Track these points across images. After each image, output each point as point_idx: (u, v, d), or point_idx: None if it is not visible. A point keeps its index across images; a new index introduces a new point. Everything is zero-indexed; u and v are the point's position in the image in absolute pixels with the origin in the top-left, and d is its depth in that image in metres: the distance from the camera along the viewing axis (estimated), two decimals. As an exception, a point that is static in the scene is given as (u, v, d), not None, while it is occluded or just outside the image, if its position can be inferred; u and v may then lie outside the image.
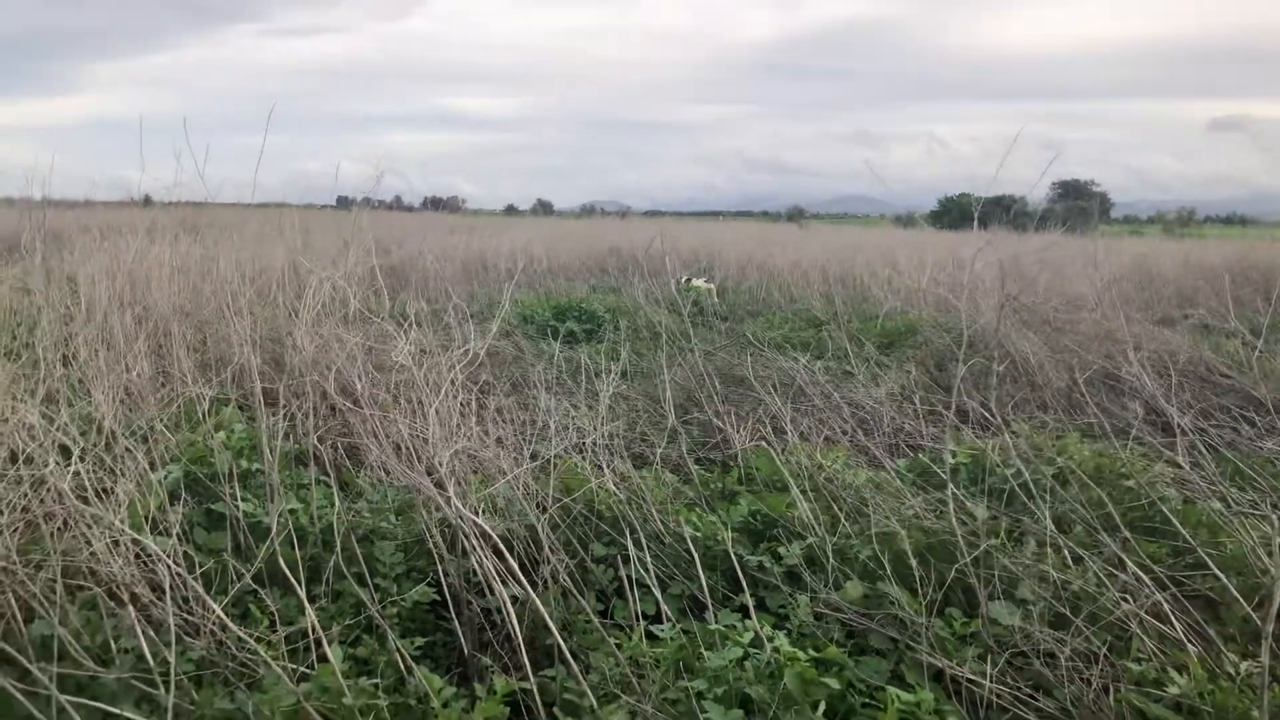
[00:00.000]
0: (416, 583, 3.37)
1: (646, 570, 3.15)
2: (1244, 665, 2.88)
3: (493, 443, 3.61)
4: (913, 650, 2.98)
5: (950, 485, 3.70)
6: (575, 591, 3.29)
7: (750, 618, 2.97)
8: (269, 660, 2.56)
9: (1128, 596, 3.25)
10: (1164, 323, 8.84)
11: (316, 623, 2.70)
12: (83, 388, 4.25)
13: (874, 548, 3.34)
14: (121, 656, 2.69)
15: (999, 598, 3.29)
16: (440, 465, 3.16)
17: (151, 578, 2.88)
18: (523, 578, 3.00)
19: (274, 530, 3.09)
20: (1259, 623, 3.22)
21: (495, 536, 3.09)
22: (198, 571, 2.99)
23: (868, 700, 2.66)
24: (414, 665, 2.77)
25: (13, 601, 2.77)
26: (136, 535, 2.87)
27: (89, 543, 2.84)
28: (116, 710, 2.47)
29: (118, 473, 3.40)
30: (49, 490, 3.10)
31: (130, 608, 2.75)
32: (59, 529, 3.07)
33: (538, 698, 2.70)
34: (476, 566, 3.10)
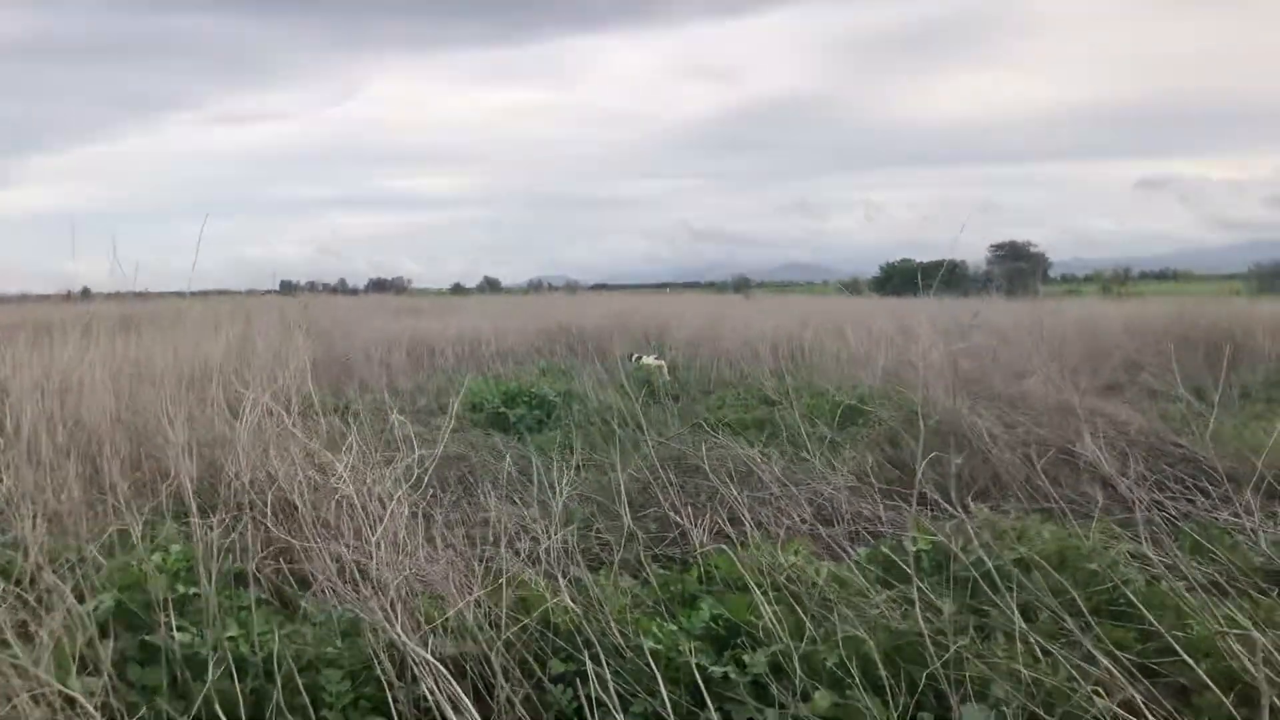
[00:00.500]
0: (365, 713, 3.19)
1: (606, 689, 3.02)
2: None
3: (442, 561, 3.46)
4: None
5: (915, 580, 3.62)
6: (532, 716, 3.14)
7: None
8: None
9: (1100, 691, 3.17)
10: (1112, 388, 8.91)
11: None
12: (5, 516, 4.05)
13: (840, 654, 3.23)
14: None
15: (970, 699, 3.20)
16: (388, 588, 3.02)
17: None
18: (474, 710, 2.85)
19: (211, 667, 2.92)
20: (1232, 710, 3.16)
21: (447, 663, 2.95)
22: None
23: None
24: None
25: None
26: (60, 686, 2.69)
27: (7, 698, 2.65)
28: None
29: (43, 609, 3.22)
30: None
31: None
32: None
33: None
34: (428, 694, 2.95)
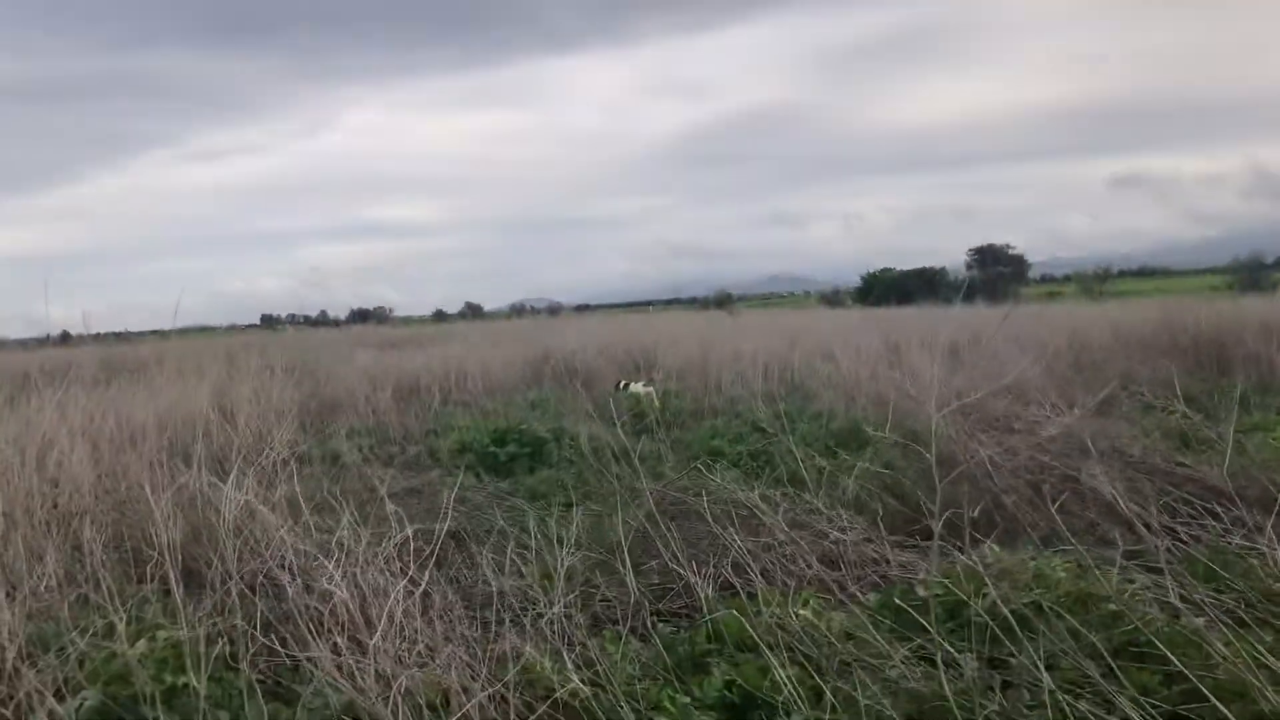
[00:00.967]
0: (368, 809, 3.05)
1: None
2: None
3: (444, 651, 3.31)
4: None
5: (935, 635, 3.50)
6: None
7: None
8: None
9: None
10: (1106, 404, 8.82)
11: None
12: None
13: (863, 723, 3.10)
14: None
15: (1000, 763, 3.07)
16: (389, 680, 2.87)
17: None
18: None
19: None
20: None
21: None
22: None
23: None
24: None
25: None
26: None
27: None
28: None
29: (23, 713, 3.06)
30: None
31: None
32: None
33: None
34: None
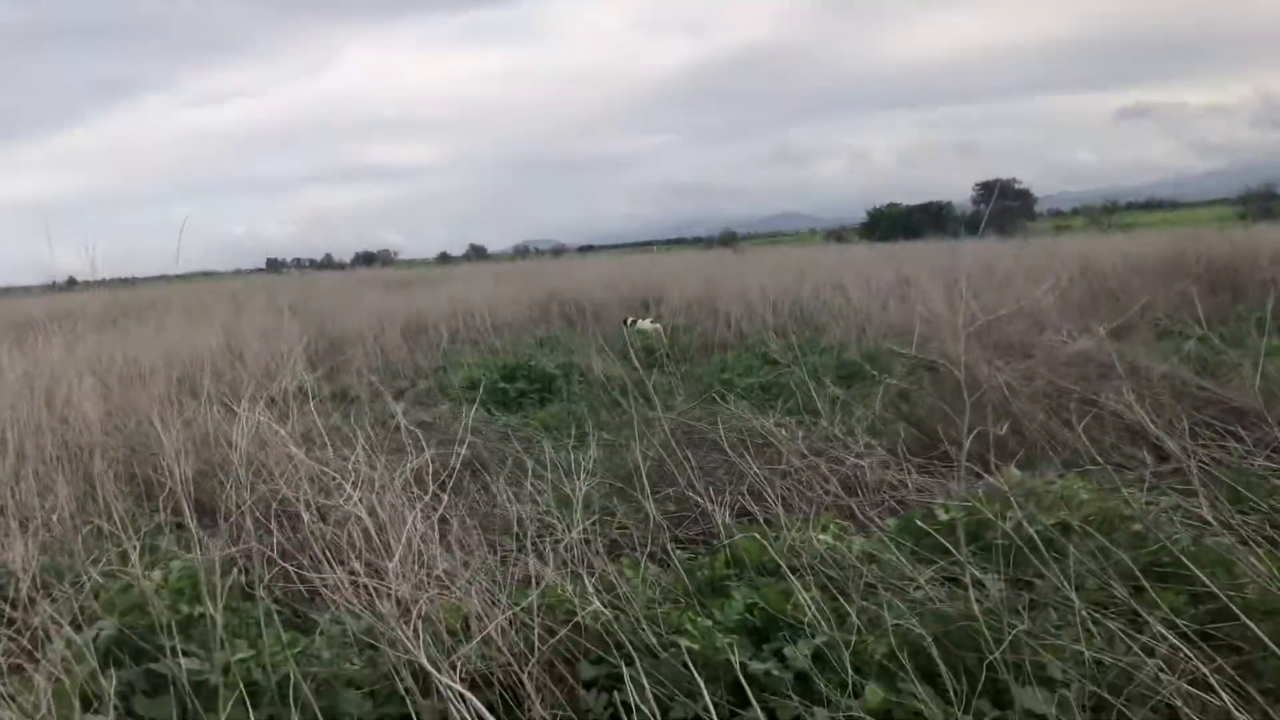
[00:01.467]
0: (390, 733, 3.02)
1: (644, 694, 2.83)
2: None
3: (462, 576, 3.26)
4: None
5: (961, 557, 3.45)
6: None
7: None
8: None
9: (1163, 667, 3.00)
10: (1122, 330, 8.72)
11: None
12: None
13: (890, 643, 3.04)
14: None
15: (1030, 682, 3.02)
16: (408, 605, 2.82)
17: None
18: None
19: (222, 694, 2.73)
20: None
21: (474, 678, 2.77)
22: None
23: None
24: None
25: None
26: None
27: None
28: None
29: (39, 641, 3.03)
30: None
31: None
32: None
33: None
34: (456, 714, 2.76)
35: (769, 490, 4.71)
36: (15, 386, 5.61)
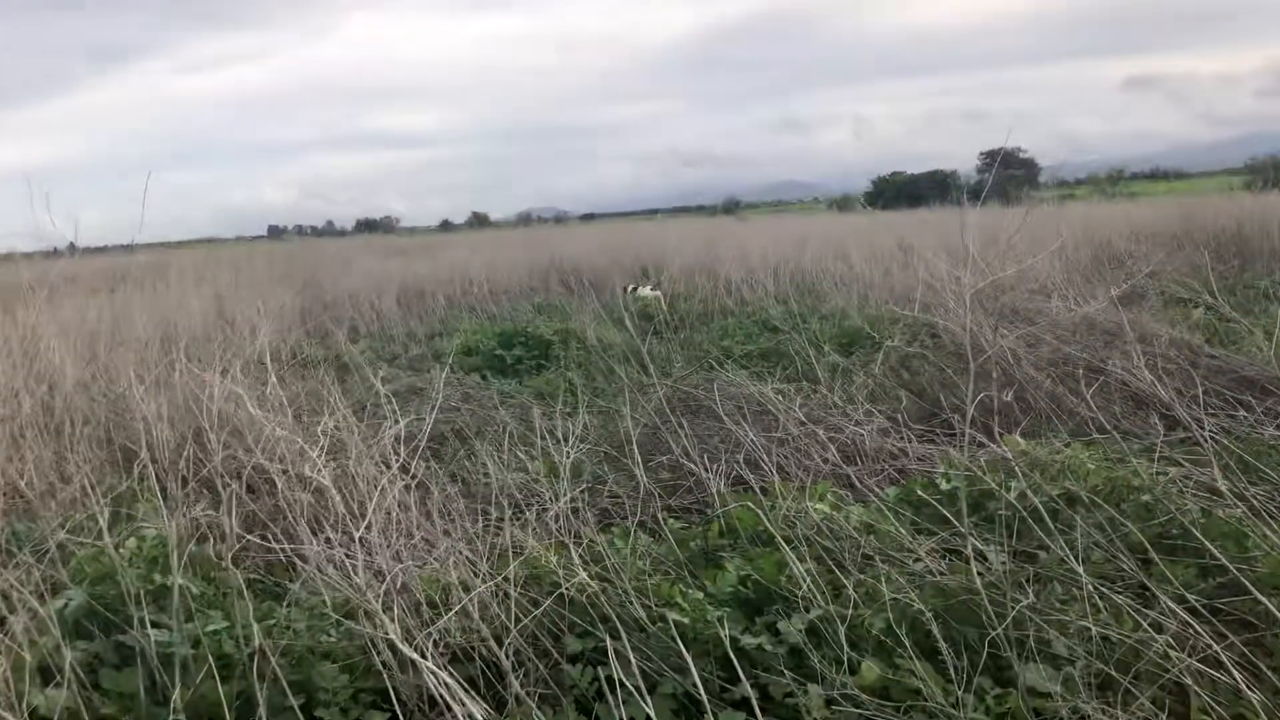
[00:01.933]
0: (365, 707, 2.90)
1: (629, 669, 2.71)
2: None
3: (442, 544, 3.14)
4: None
5: (962, 527, 3.32)
6: (549, 701, 2.85)
7: (755, 716, 2.57)
8: None
9: (1172, 643, 2.89)
10: (1129, 297, 8.56)
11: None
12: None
13: (888, 617, 2.92)
14: None
15: (1033, 658, 2.91)
16: (384, 576, 2.70)
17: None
18: (484, 701, 2.55)
19: (185, 668, 2.61)
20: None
21: (454, 651, 2.64)
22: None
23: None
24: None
25: None
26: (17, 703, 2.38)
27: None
28: None
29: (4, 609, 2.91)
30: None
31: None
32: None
33: None
34: (433, 688, 2.65)
35: (765, 458, 4.58)
36: (-3, 350, 5.47)
